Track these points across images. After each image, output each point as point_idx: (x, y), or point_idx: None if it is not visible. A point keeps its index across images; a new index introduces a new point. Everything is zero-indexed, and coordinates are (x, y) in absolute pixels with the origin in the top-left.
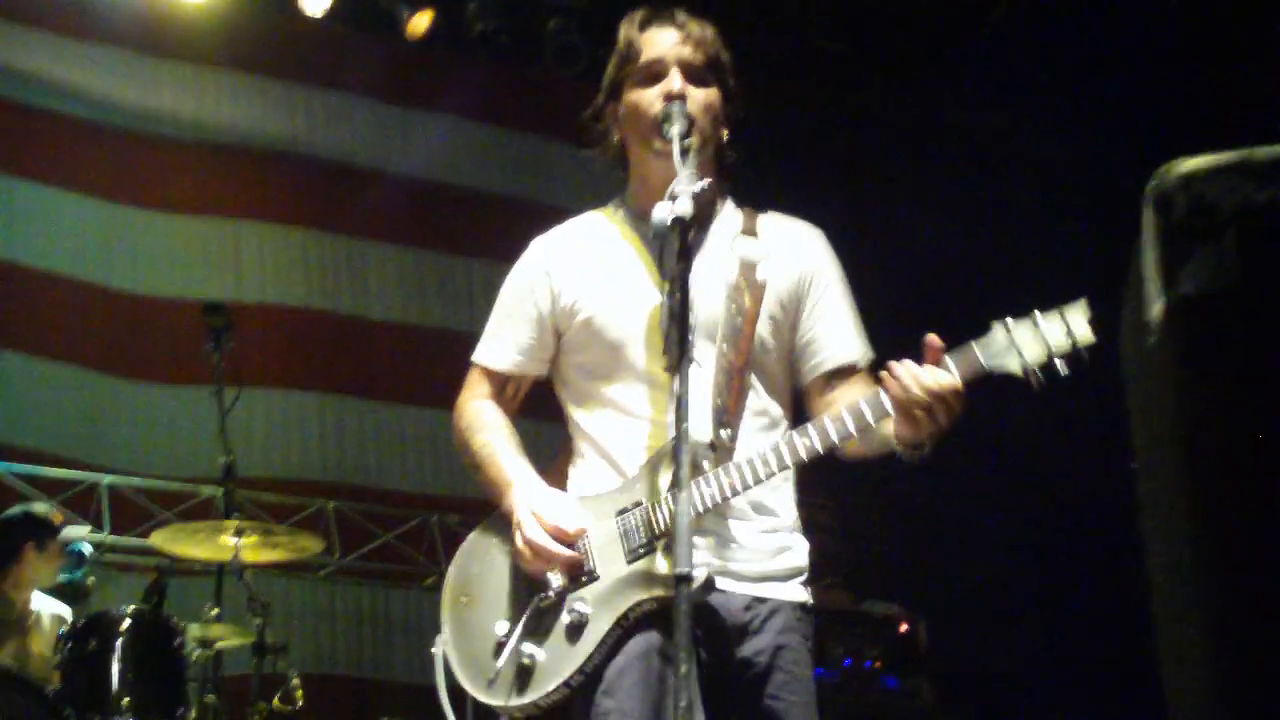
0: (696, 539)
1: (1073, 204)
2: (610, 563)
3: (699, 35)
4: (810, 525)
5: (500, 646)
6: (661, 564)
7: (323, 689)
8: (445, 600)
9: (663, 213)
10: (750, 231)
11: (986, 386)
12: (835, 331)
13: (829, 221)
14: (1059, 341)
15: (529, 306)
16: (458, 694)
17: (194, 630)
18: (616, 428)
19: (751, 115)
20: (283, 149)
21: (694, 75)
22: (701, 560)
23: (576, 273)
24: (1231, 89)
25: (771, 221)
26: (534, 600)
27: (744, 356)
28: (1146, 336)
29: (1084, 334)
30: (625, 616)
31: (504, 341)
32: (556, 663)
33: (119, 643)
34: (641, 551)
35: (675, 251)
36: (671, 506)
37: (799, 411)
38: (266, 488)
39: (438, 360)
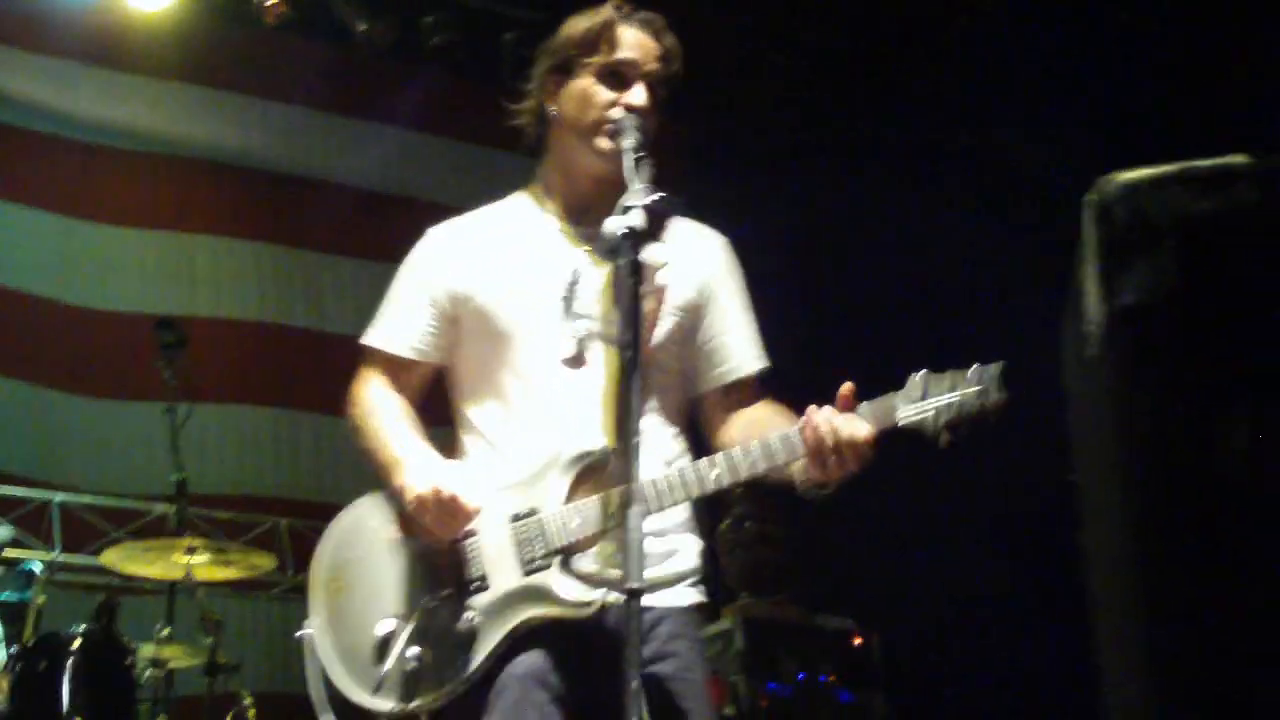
0: (590, 553)
1: (1053, 213)
2: (502, 572)
3: (672, 50)
4: (760, 538)
5: (383, 646)
6: (559, 580)
7: (276, 708)
8: (315, 582)
9: (614, 225)
10: (649, 234)
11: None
12: (738, 342)
13: (793, 231)
14: (970, 404)
15: (427, 290)
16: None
17: (145, 650)
18: (508, 424)
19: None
20: (237, 162)
21: (654, 89)
22: (588, 571)
23: (478, 258)
24: (1211, 99)
25: (677, 227)
26: (421, 602)
27: (675, 374)
28: (1086, 347)
29: (996, 399)
30: (515, 630)
31: (401, 326)
32: (443, 670)
33: (69, 663)
34: (538, 565)
35: (629, 264)
36: (567, 520)
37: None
38: (219, 504)
39: None
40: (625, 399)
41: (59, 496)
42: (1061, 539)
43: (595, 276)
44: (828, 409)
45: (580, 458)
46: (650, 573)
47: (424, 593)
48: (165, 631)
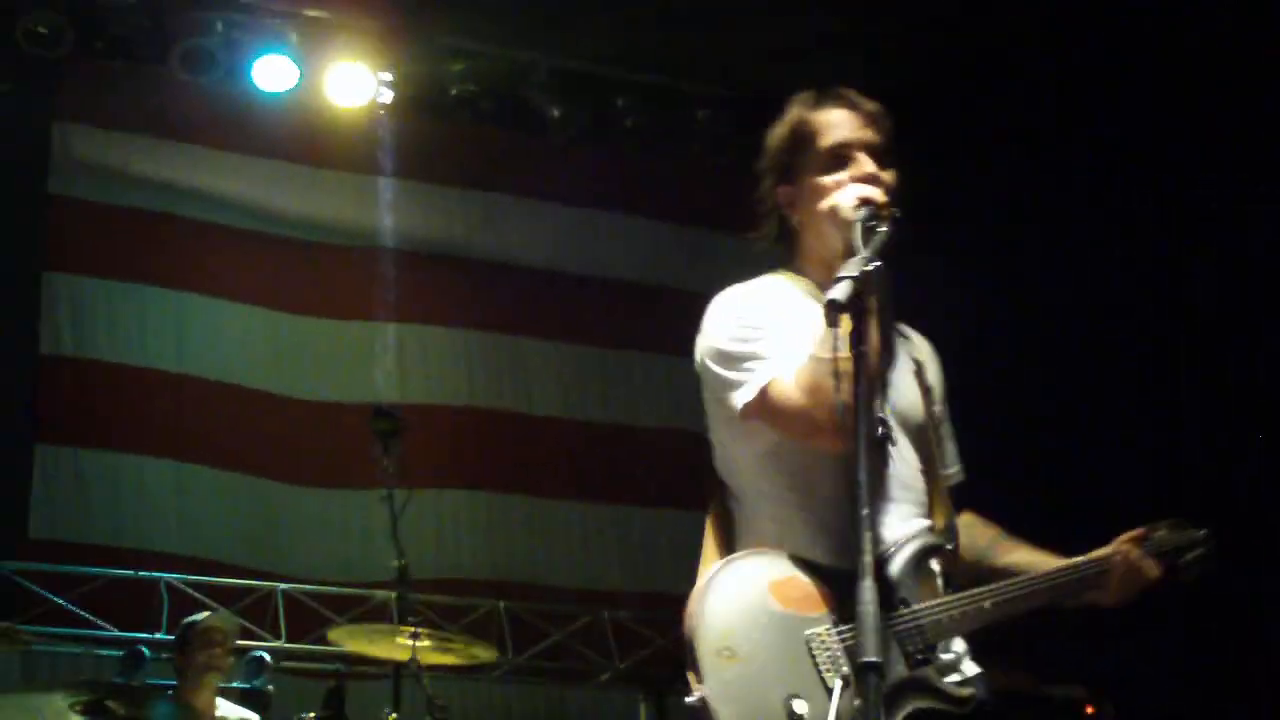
0: (951, 646)
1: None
2: (889, 662)
3: (876, 114)
4: None
5: None
6: (939, 674)
7: None
8: (702, 649)
9: (833, 293)
10: (904, 333)
11: None
12: (952, 449)
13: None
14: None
15: (777, 333)
16: None
17: None
18: (830, 505)
19: None
20: (442, 252)
21: (877, 157)
22: (952, 663)
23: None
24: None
25: (907, 324)
26: (834, 683)
27: (938, 470)
28: None
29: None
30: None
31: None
32: None
33: None
34: (921, 658)
35: (855, 333)
36: (940, 616)
37: None
38: (437, 589)
39: (600, 454)
40: (869, 468)
41: (282, 586)
42: None
43: (900, 361)
44: (1129, 545)
45: (932, 550)
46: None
47: (823, 673)
48: (392, 717)
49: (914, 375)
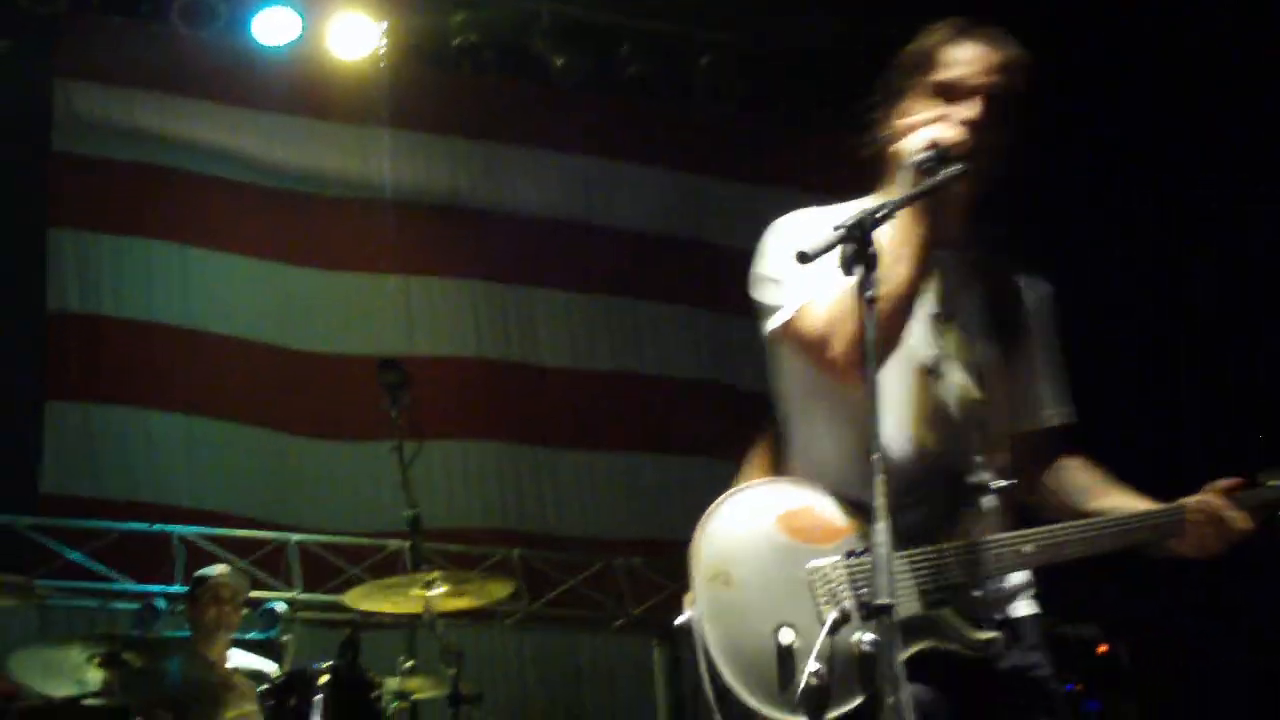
0: (976, 589)
1: None
2: (902, 599)
3: (1012, 60)
4: None
5: (786, 657)
6: (957, 615)
7: None
8: (699, 572)
9: (806, 245)
10: (995, 268)
11: None
12: (1063, 386)
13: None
14: None
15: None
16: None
17: (390, 683)
18: (864, 433)
19: None
20: (446, 203)
21: (991, 107)
22: (976, 606)
23: None
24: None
25: (1005, 261)
26: (827, 618)
27: (1006, 409)
28: None
29: None
30: (913, 658)
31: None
32: (844, 691)
33: (318, 698)
34: (938, 598)
35: (863, 280)
36: (966, 557)
37: None
38: (450, 539)
39: (609, 403)
40: (870, 411)
41: (295, 537)
42: None
43: (964, 298)
44: (1215, 495)
45: (979, 488)
46: (1012, 583)
47: (821, 606)
48: (408, 664)
49: (986, 313)
